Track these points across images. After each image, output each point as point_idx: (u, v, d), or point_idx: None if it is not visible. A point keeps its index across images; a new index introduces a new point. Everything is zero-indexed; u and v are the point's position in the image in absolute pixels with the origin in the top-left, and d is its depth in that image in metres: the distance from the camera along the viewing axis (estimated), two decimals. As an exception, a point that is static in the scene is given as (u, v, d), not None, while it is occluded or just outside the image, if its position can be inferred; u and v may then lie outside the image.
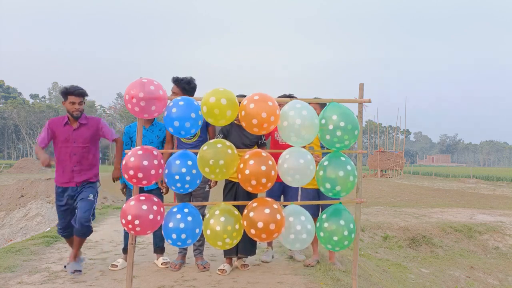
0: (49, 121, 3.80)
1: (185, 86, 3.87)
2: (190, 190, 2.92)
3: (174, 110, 2.76)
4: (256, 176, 2.69)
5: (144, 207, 2.71)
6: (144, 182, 2.73)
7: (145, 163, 2.69)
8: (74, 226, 3.72)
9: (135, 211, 2.68)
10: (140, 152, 2.75)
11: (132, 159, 2.70)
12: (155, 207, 2.75)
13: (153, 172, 2.72)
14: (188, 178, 2.81)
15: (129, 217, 2.67)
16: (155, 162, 2.74)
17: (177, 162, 2.83)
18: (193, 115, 2.76)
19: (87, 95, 3.80)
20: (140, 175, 2.68)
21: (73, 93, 3.67)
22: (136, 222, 2.66)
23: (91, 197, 3.76)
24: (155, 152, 2.80)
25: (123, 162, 2.74)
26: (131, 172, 2.68)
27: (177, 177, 2.80)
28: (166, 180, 2.86)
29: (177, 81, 3.89)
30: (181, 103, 2.79)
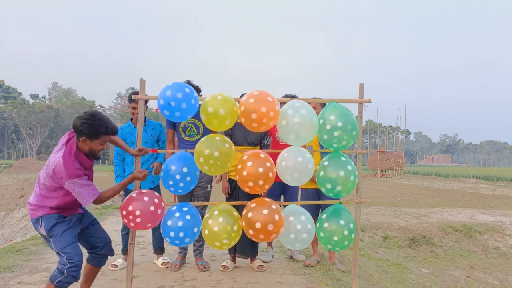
0: (76, 174, 2.60)
1: (197, 89, 3.97)
2: (181, 191, 2.92)
3: (169, 84, 2.81)
4: (253, 177, 2.69)
5: (146, 198, 2.73)
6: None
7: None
8: (97, 251, 2.96)
9: (136, 202, 2.69)
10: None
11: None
12: (156, 200, 2.77)
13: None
14: (178, 177, 2.84)
15: (130, 208, 2.66)
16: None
17: (172, 160, 2.90)
18: (187, 90, 2.77)
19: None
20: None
21: (112, 133, 2.74)
22: (137, 212, 2.65)
23: (95, 218, 3.08)
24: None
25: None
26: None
27: (175, 177, 2.84)
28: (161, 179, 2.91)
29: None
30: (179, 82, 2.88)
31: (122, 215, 2.73)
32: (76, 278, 2.62)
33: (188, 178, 2.87)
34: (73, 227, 2.76)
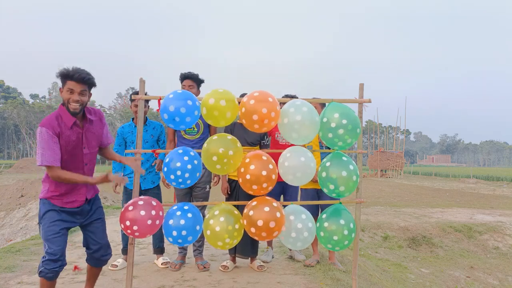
0: (47, 125, 2.58)
1: (199, 80, 4.06)
2: (188, 182, 2.85)
3: (170, 96, 2.77)
4: (257, 181, 2.70)
5: (142, 212, 2.69)
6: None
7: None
8: (91, 253, 2.89)
9: (133, 217, 2.67)
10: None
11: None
12: (153, 212, 2.73)
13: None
14: (188, 170, 2.77)
15: (128, 223, 2.68)
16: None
17: (177, 153, 2.84)
18: (189, 102, 2.74)
19: (94, 84, 2.71)
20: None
21: (73, 77, 2.58)
22: (135, 227, 2.67)
23: (104, 216, 3.00)
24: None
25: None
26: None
27: (178, 172, 2.76)
28: (164, 174, 2.86)
29: (192, 76, 4.01)
30: (179, 91, 2.82)
31: (122, 227, 2.75)
32: (52, 272, 2.58)
33: (189, 166, 2.78)
34: (65, 220, 2.72)
